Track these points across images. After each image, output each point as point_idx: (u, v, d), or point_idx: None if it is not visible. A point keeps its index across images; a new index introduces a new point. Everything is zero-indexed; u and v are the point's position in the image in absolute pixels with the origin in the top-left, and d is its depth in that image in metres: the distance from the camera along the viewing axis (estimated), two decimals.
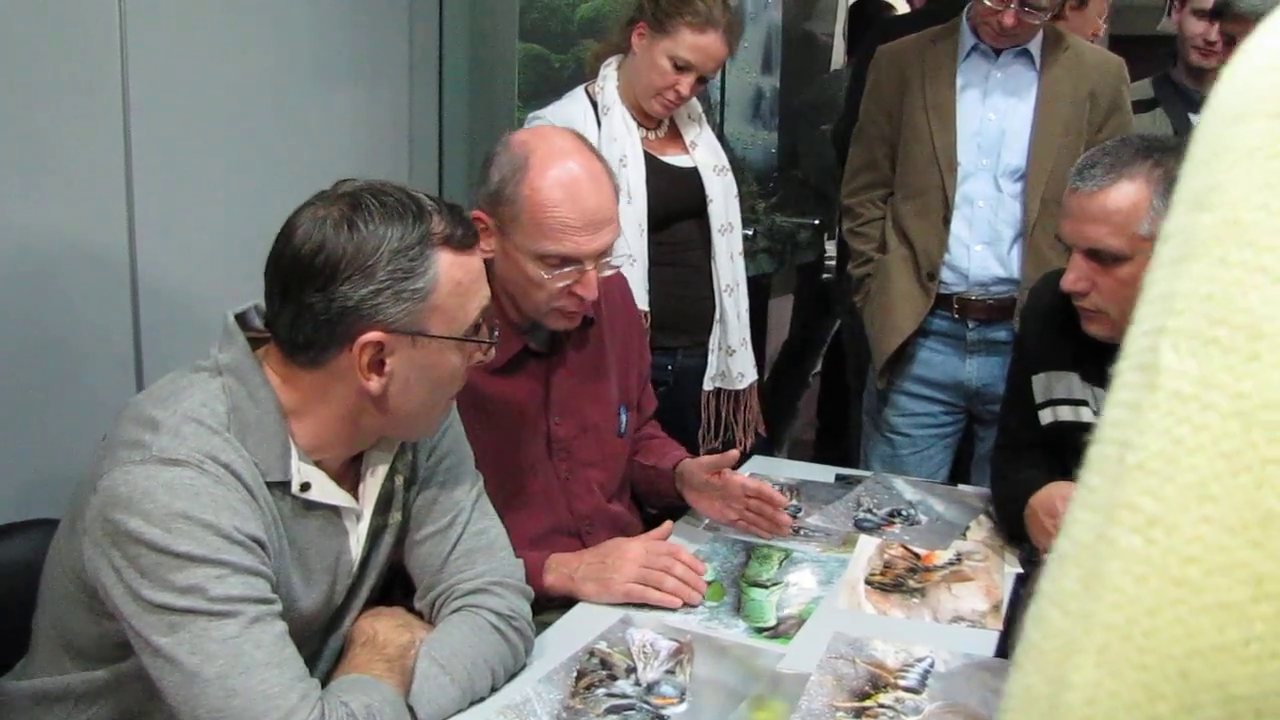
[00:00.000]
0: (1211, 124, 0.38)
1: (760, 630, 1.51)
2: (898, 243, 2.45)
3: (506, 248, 1.61)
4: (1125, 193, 1.56)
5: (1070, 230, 1.63)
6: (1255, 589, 0.32)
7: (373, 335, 1.19)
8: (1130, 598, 0.34)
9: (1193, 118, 2.47)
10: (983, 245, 2.36)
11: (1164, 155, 1.57)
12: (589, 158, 1.63)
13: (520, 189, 1.57)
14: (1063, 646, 0.36)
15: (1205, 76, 2.62)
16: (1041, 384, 1.82)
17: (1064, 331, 1.75)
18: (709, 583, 1.64)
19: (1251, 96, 0.36)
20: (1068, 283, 1.63)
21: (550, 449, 1.73)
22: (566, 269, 1.59)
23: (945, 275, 2.39)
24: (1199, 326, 0.35)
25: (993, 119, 2.36)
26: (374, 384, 1.22)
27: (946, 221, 2.36)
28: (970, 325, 2.41)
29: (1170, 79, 2.71)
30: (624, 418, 1.83)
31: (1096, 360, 1.69)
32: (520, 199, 1.57)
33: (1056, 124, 2.32)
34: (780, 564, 1.72)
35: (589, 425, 1.76)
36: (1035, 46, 2.36)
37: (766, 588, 1.64)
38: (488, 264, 1.64)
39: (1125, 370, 0.38)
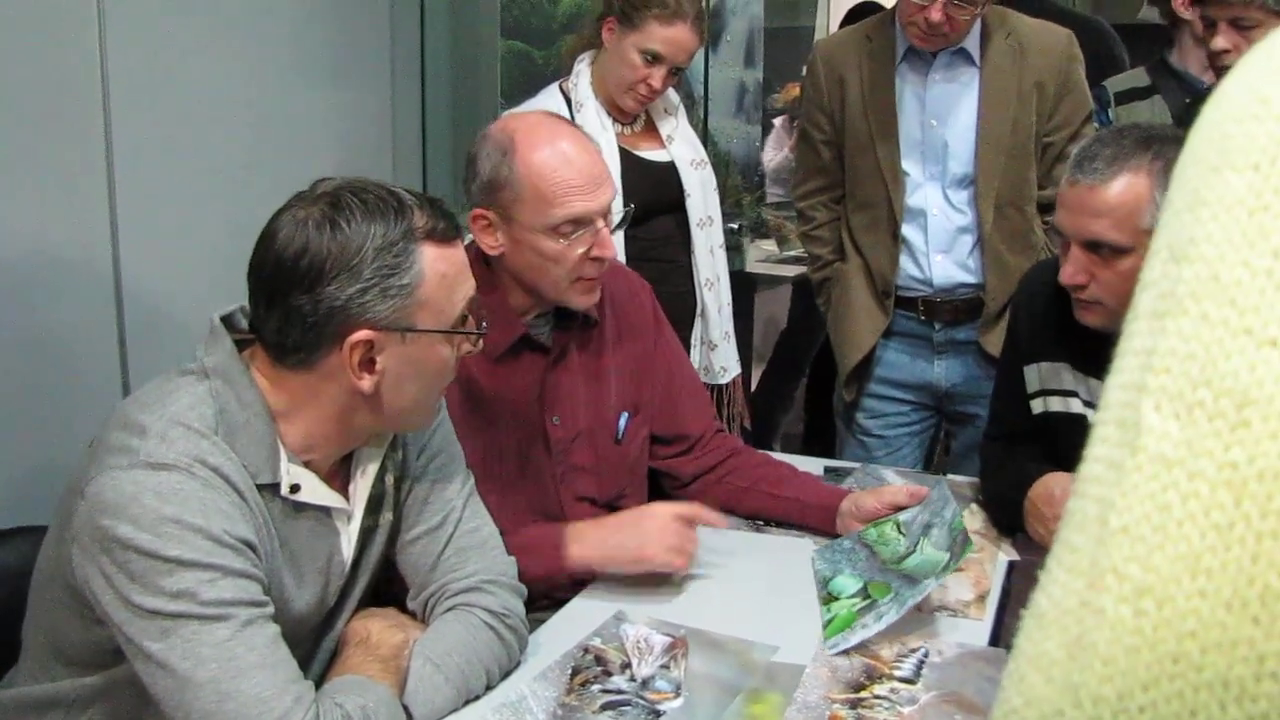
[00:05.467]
0: (1189, 171, 0.37)
1: (944, 571, 1.48)
2: (854, 252, 2.38)
3: (515, 234, 1.61)
4: (1127, 185, 1.53)
5: (1069, 223, 1.60)
6: (1258, 667, 0.31)
7: (362, 334, 1.19)
8: (1122, 670, 0.33)
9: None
10: (942, 254, 2.29)
11: (1164, 146, 1.54)
12: (569, 126, 1.67)
13: (515, 169, 1.58)
14: (1047, 715, 0.34)
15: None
16: (1034, 374, 1.82)
17: (1056, 322, 1.74)
18: (872, 584, 1.56)
19: (1231, 147, 0.35)
20: (1066, 276, 1.62)
21: (549, 449, 1.72)
22: (581, 232, 1.60)
23: (908, 283, 2.32)
24: (1181, 388, 0.33)
25: (934, 126, 2.24)
26: (366, 382, 1.21)
27: (895, 236, 2.29)
28: (937, 327, 2.35)
29: (1167, 64, 2.50)
30: (623, 424, 1.80)
31: (1089, 351, 1.69)
32: (517, 178, 1.58)
33: (1003, 125, 2.21)
34: (898, 529, 1.66)
35: (585, 429, 1.75)
36: (973, 42, 2.21)
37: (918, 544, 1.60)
38: (496, 260, 1.64)
39: (1104, 423, 0.36)
